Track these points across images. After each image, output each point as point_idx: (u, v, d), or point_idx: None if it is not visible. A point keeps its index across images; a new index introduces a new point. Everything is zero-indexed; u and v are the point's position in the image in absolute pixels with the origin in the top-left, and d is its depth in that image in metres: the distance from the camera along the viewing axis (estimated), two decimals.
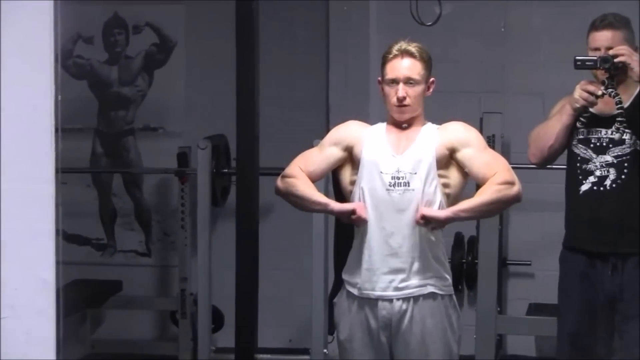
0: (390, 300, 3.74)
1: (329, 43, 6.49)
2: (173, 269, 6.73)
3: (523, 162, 4.73)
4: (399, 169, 3.73)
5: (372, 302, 3.76)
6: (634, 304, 4.18)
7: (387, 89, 3.78)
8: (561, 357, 4.38)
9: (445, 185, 3.75)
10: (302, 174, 3.86)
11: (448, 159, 3.76)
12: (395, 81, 3.75)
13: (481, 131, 5.05)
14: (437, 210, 3.68)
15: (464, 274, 6.21)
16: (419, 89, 3.76)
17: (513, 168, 3.82)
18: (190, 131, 6.50)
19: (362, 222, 3.73)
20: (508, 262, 6.44)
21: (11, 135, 1.76)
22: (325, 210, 3.88)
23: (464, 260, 6.20)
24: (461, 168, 3.77)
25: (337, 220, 4.20)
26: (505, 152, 5.72)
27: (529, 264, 6.40)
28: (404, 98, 3.74)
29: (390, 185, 3.72)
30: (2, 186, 1.76)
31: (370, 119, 3.87)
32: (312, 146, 4.05)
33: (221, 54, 5.91)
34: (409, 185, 3.71)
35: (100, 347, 6.66)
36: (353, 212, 3.71)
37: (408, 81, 3.75)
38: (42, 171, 1.80)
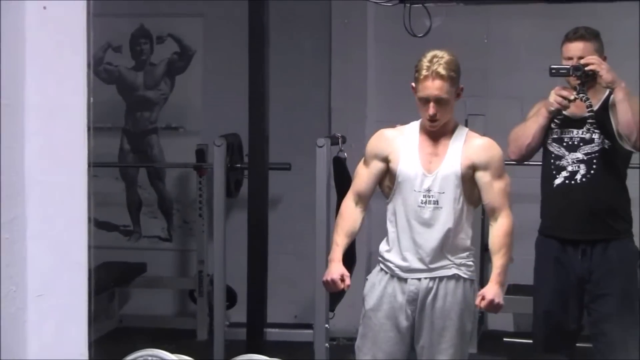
0: (419, 279, 3.75)
1: (331, 52, 6.48)
2: (192, 253, 6.73)
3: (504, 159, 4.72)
4: (430, 188, 3.71)
5: (402, 280, 3.77)
6: (600, 285, 4.19)
7: (419, 103, 3.73)
8: (536, 331, 4.39)
9: (469, 199, 3.76)
10: (347, 212, 3.84)
11: (471, 176, 3.75)
12: (427, 100, 3.69)
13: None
14: (493, 294, 3.73)
15: None
16: (448, 105, 3.71)
17: None
18: (208, 130, 6.48)
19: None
20: (485, 247, 6.43)
21: (49, 132, 1.76)
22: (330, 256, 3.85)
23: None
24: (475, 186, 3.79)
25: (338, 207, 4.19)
26: None
27: None
28: (435, 114, 3.69)
29: (422, 203, 3.71)
30: (40, 177, 1.76)
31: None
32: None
33: (235, 62, 5.90)
34: (438, 204, 3.71)
35: (127, 321, 6.66)
36: (332, 280, 3.74)
37: (438, 100, 3.68)
38: (76, 165, 1.80)
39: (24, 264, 1.78)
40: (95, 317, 6.61)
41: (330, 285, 3.79)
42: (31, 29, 1.75)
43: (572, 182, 4.18)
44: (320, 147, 4.95)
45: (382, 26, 6.32)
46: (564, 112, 4.16)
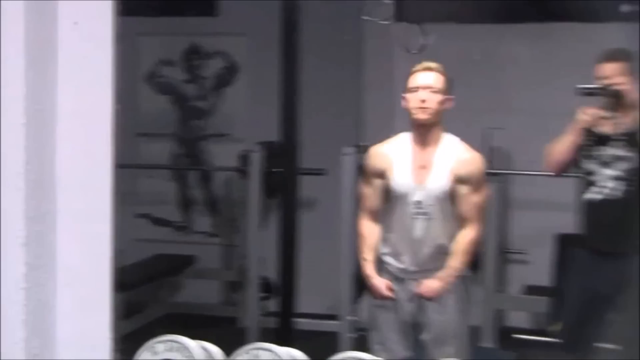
0: (416, 280, 3.71)
1: (364, 66, 6.41)
2: (236, 248, 6.72)
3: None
4: (421, 201, 3.64)
5: (401, 279, 3.73)
6: (628, 296, 4.07)
7: (409, 96, 3.65)
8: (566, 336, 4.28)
9: (457, 209, 3.68)
10: (367, 230, 3.81)
11: (453, 189, 3.67)
12: (416, 88, 3.64)
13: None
14: (433, 282, 3.68)
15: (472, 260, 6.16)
16: (437, 96, 3.63)
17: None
18: (253, 137, 6.47)
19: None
20: (506, 250, 6.36)
21: (79, 134, 1.74)
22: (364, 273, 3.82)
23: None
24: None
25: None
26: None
27: (525, 253, 6.34)
28: (424, 100, 3.61)
29: (414, 215, 3.65)
30: (70, 176, 1.74)
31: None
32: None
33: (277, 75, 5.88)
34: (428, 215, 3.64)
35: (176, 308, 6.64)
36: (380, 295, 3.74)
37: (427, 88, 3.63)
38: (103, 165, 1.78)
39: (54, 256, 1.76)
40: (146, 304, 6.65)
41: (380, 297, 3.76)
42: (63, 42, 1.73)
43: (604, 197, 4.05)
44: (346, 155, 4.92)
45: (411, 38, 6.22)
46: (597, 130, 4.04)
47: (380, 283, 3.72)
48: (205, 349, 2.17)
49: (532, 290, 6.06)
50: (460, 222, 3.68)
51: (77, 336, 1.80)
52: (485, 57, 6.02)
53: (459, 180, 3.63)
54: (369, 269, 3.75)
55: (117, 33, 1.77)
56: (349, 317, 5.09)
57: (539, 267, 5.90)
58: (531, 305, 5.96)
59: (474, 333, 5.76)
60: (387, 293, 3.71)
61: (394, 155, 3.71)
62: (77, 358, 1.80)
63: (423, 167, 3.65)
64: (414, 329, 3.73)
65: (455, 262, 3.68)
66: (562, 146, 4.14)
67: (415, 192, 3.63)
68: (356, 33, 6.19)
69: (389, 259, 3.73)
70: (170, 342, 2.06)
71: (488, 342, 5.89)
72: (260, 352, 1.97)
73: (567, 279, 4.32)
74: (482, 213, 3.72)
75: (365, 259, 3.77)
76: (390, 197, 3.70)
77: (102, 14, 1.75)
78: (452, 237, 3.67)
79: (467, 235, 3.68)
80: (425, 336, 3.70)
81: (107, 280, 1.79)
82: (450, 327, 3.68)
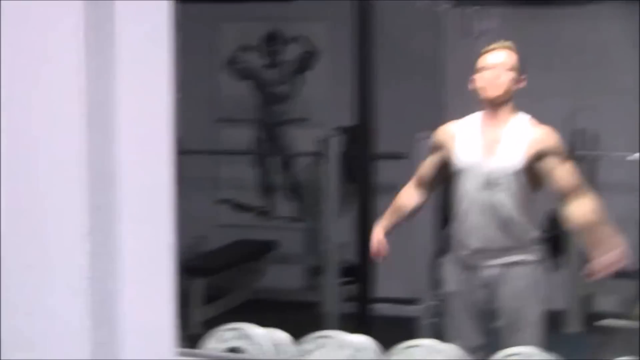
0: (489, 267, 3.62)
1: (443, 49, 6.33)
2: (317, 233, 6.71)
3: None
4: (490, 174, 3.52)
5: (473, 266, 3.65)
6: None
7: (478, 76, 3.57)
8: None
9: (529, 186, 3.56)
10: (402, 192, 3.84)
11: (533, 164, 3.53)
12: (486, 67, 3.55)
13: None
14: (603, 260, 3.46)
15: (558, 244, 6.04)
16: (509, 74, 3.53)
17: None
18: (332, 122, 6.45)
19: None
20: None
21: (138, 125, 1.73)
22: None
23: (558, 232, 6.02)
24: (539, 174, 3.55)
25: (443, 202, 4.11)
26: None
27: None
28: (496, 77, 3.51)
29: (483, 187, 3.54)
30: (130, 168, 1.74)
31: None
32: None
33: (356, 60, 5.84)
34: (498, 188, 3.52)
35: (259, 294, 6.68)
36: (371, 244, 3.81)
37: (500, 66, 3.54)
38: (163, 156, 1.77)
39: (115, 247, 1.77)
40: (230, 289, 6.70)
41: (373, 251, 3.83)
42: (120, 33, 1.72)
43: None
44: (421, 140, 4.87)
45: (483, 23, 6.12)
46: None
47: (374, 238, 3.78)
48: (274, 337, 2.17)
49: (619, 274, 5.93)
50: (565, 197, 3.48)
51: (141, 325, 1.80)
52: (559, 40, 5.90)
53: (541, 155, 3.49)
54: (379, 223, 3.82)
55: (177, 21, 1.76)
56: (428, 302, 5.04)
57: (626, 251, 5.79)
58: (619, 289, 5.83)
59: (560, 318, 5.68)
60: (375, 246, 3.77)
61: (459, 130, 3.65)
62: (142, 346, 1.81)
63: (493, 141, 3.55)
64: (487, 316, 3.66)
65: (600, 230, 3.44)
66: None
67: (483, 165, 3.54)
68: (434, 16, 6.12)
69: (459, 245, 3.67)
70: (236, 330, 2.06)
71: (574, 327, 5.79)
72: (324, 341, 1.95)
73: None
74: (583, 183, 3.55)
75: (384, 217, 3.83)
76: (453, 172, 3.63)
77: (160, 1, 1.74)
78: (525, 212, 3.56)
79: (587, 203, 3.46)
80: (499, 323, 3.63)
81: (170, 269, 1.79)
82: (523, 313, 3.60)
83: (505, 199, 3.52)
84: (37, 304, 1.69)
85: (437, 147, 3.71)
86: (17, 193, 1.66)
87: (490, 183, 3.52)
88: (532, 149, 3.51)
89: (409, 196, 3.79)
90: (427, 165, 3.76)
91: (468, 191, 3.58)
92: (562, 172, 3.50)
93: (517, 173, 3.51)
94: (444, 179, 3.77)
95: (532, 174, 3.54)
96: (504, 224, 3.54)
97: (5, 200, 1.63)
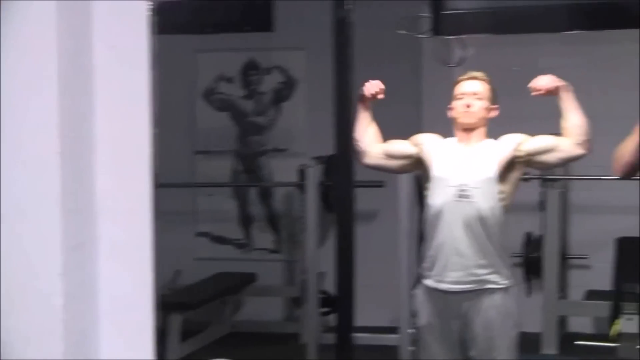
0: (458, 293, 3.59)
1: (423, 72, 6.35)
2: (297, 263, 6.67)
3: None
4: (463, 183, 3.57)
5: (443, 294, 3.62)
6: None
7: (455, 104, 3.67)
8: None
9: (501, 197, 3.58)
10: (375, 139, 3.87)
11: (505, 173, 3.59)
12: (462, 95, 3.66)
13: None
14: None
15: (532, 267, 6.06)
16: (482, 103, 3.66)
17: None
18: (312, 151, 6.44)
19: (372, 95, 3.82)
20: (567, 256, 6.25)
21: (117, 160, 1.71)
22: (360, 106, 3.90)
23: (532, 255, 6.04)
24: (514, 181, 3.62)
25: (421, 226, 4.08)
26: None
27: (587, 258, 6.23)
28: (469, 105, 3.63)
29: (457, 197, 3.57)
30: (109, 204, 1.71)
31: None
32: None
33: (335, 88, 5.83)
34: (471, 198, 3.55)
35: (238, 327, 6.63)
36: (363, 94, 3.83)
37: (473, 95, 3.65)
38: (142, 190, 1.74)
39: (94, 284, 1.73)
40: (209, 323, 6.61)
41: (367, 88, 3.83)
42: (98, 66, 1.70)
43: None
44: None
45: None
46: None
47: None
48: None
49: (594, 295, 5.95)
50: (561, 142, 3.62)
51: None
52: (527, 66, 5.93)
53: (518, 146, 3.62)
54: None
55: (155, 54, 1.73)
56: (408, 330, 5.02)
57: (600, 271, 5.83)
58: (593, 310, 5.86)
59: (536, 340, 5.67)
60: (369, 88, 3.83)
61: (438, 142, 3.74)
62: None
63: (466, 156, 3.62)
64: (461, 346, 3.63)
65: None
66: (627, 148, 3.99)
67: (456, 177, 3.58)
68: (413, 45, 6.13)
69: (429, 275, 3.65)
70: None
71: (550, 349, 5.78)
72: None
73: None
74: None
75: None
76: (428, 186, 3.66)
77: (138, 35, 1.72)
78: (497, 230, 3.57)
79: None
80: (472, 353, 3.61)
81: (149, 306, 1.75)
82: (496, 342, 3.57)
83: (478, 211, 3.54)
84: (9, 349, 1.65)
85: (416, 144, 3.78)
86: None
87: (462, 195, 3.54)
88: (504, 151, 3.61)
89: (373, 128, 3.87)
90: (399, 143, 3.82)
91: (441, 203, 3.58)
92: (539, 138, 3.65)
93: (490, 181, 3.55)
94: (400, 167, 3.87)
95: (511, 170, 3.60)
96: (476, 237, 3.53)
97: None
